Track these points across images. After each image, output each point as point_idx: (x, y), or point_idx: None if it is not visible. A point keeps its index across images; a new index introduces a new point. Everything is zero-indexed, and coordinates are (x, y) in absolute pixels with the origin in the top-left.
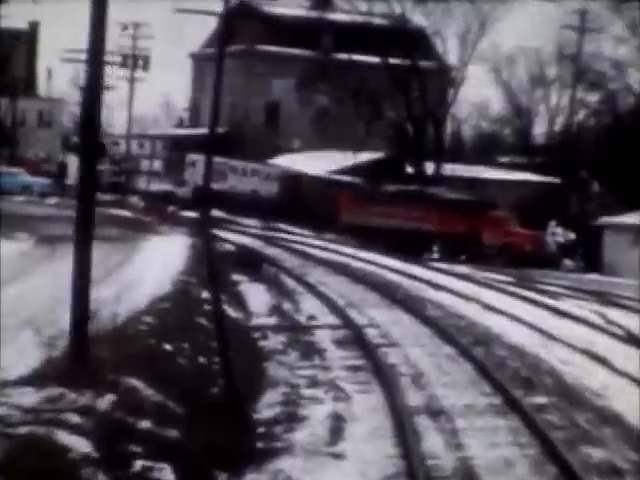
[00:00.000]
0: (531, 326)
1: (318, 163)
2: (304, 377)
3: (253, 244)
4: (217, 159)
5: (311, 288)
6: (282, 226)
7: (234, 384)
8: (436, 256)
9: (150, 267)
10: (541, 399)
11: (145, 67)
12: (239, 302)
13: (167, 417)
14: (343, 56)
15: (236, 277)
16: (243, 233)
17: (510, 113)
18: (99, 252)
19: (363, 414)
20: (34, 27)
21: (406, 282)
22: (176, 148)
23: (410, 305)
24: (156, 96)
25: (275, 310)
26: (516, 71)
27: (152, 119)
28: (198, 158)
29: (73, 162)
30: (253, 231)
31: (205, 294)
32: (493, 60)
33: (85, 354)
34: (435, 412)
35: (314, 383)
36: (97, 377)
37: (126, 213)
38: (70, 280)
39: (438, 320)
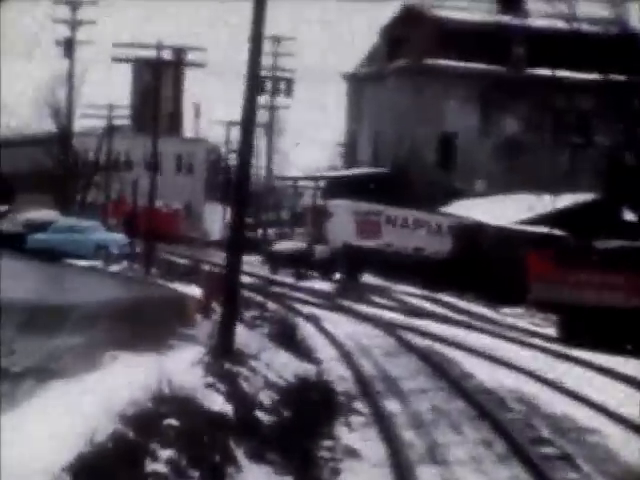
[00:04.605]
0: None
1: (505, 210)
2: None
3: (372, 345)
4: (368, 206)
5: None
6: (447, 299)
7: None
8: None
9: None
10: None
11: (288, 92)
12: None
13: None
14: (540, 71)
15: (257, 474)
16: (370, 322)
17: None
18: None
19: None
20: (179, 54)
21: None
22: (326, 194)
23: None
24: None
25: None
26: None
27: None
28: (344, 205)
29: (213, 212)
30: (390, 316)
31: None
32: None
33: None
34: None
35: None
36: None
37: (194, 291)
38: None
39: None
